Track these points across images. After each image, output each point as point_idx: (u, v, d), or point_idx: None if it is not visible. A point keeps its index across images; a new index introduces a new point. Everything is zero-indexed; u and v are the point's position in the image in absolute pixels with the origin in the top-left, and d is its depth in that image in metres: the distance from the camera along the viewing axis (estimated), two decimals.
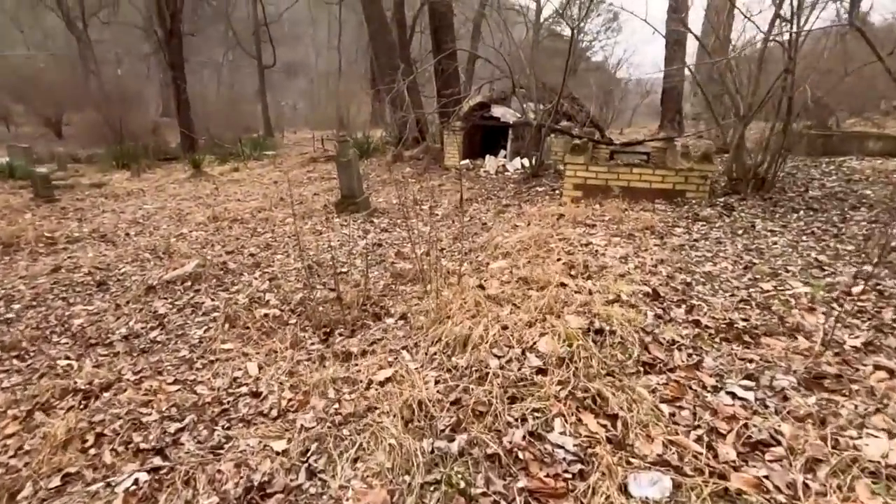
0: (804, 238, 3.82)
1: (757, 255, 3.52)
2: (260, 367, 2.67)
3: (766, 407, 1.77)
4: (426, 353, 2.38)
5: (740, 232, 4.05)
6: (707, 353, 2.11)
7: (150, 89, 29.97)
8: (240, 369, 2.68)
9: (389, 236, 5.30)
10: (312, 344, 2.94)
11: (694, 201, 5.14)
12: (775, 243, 3.74)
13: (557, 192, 6.77)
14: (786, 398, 1.81)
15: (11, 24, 31.05)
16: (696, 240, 3.87)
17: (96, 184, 11.04)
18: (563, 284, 2.77)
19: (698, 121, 17.85)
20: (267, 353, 2.85)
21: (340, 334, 3.04)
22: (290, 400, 2.26)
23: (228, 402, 2.34)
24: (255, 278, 4.00)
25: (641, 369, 2.00)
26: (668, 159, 8.04)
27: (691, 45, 14.10)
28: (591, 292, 2.65)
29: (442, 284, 3.55)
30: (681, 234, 4.01)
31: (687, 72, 14.32)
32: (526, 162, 8.95)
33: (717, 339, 2.25)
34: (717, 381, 1.93)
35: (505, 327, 2.28)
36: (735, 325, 2.33)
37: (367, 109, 19.79)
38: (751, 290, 2.87)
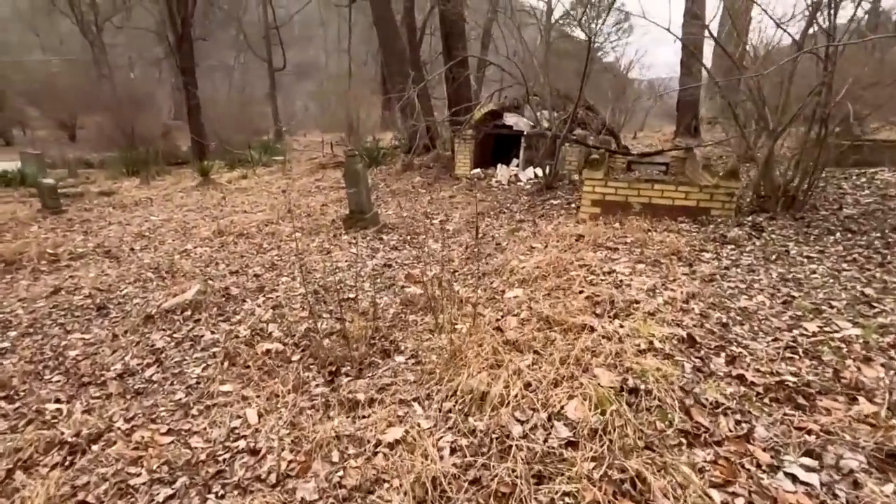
0: (845, 266, 3.55)
1: (795, 286, 3.26)
2: (260, 415, 2.48)
3: (836, 496, 1.53)
4: (440, 409, 2.17)
5: (773, 258, 3.79)
6: (757, 420, 1.87)
7: (162, 93, 30.15)
8: (238, 416, 2.48)
9: (399, 255, 5.10)
10: (317, 386, 2.74)
11: (720, 220, 4.88)
12: (814, 272, 3.48)
13: (573, 206, 6.52)
14: (856, 484, 1.57)
15: (28, 29, 31.45)
16: (726, 267, 3.61)
17: (105, 192, 10.99)
18: (589, 328, 2.54)
19: (713, 125, 17.50)
20: (268, 396, 2.65)
21: (347, 374, 2.83)
22: (290, 462, 2.05)
23: (224, 461, 2.14)
24: (259, 305, 3.81)
25: (684, 440, 1.77)
26: (688, 170, 7.76)
27: (706, 50, 13.79)
28: (620, 338, 2.41)
29: (455, 315, 3.34)
30: (709, 261, 3.76)
31: (704, 75, 14.00)
32: (539, 171, 8.70)
33: (766, 400, 2.00)
34: (773, 458, 1.69)
35: (528, 385, 2.05)
36: (785, 383, 2.08)
37: (377, 113, 19.65)
38: (794, 331, 2.61)
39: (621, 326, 2.60)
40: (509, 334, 2.56)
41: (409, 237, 5.73)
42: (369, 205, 5.87)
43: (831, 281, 3.29)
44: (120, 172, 14.85)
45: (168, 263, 5.20)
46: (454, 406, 2.13)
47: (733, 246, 4.08)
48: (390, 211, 7.14)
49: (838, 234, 4.20)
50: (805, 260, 3.72)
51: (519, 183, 8.53)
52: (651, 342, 2.36)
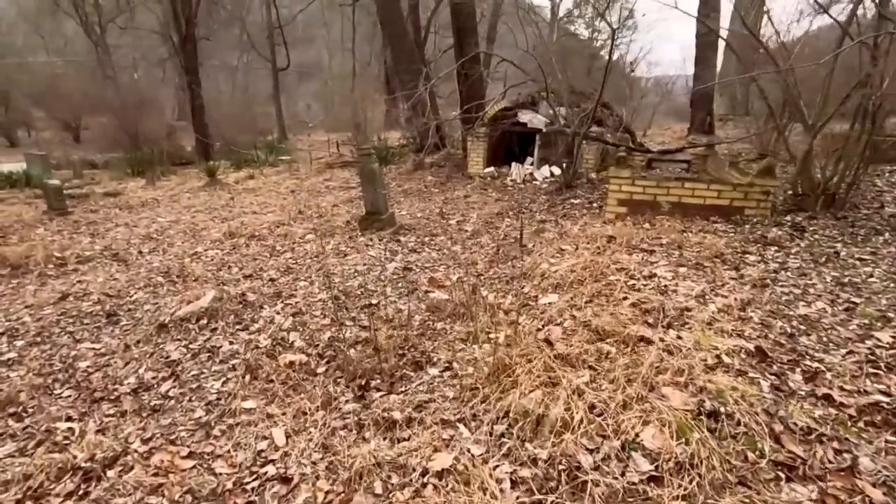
0: None
1: (853, 291, 3.04)
2: (288, 436, 2.28)
3: None
4: (490, 432, 1.96)
5: (823, 260, 3.56)
6: (858, 448, 1.66)
7: (166, 93, 30.02)
8: (265, 437, 2.28)
9: (419, 258, 4.89)
10: (346, 402, 2.53)
11: (756, 220, 4.65)
12: (870, 276, 3.25)
13: (595, 205, 6.31)
14: None
15: (32, 30, 31.39)
16: (774, 270, 3.39)
17: (111, 193, 10.82)
18: (645, 340, 2.33)
19: (724, 122, 17.22)
20: (295, 413, 2.45)
21: (378, 389, 2.63)
22: (327, 493, 1.85)
23: (253, 490, 1.94)
24: (277, 312, 3.61)
25: (781, 474, 1.56)
26: (710, 167, 7.53)
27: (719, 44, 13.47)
28: (682, 352, 2.20)
29: (488, 324, 3.14)
30: (755, 263, 3.54)
31: (718, 71, 13.70)
32: (555, 170, 8.49)
33: (861, 425, 1.79)
34: (885, 495, 1.48)
35: (592, 407, 1.84)
36: (879, 404, 1.87)
37: (381, 112, 19.47)
38: (867, 342, 2.40)
39: (679, 338, 2.38)
40: (559, 347, 2.35)
41: (427, 238, 5.53)
42: (385, 205, 5.67)
43: (892, 286, 3.07)
44: (125, 173, 14.69)
45: (178, 267, 5.01)
46: (507, 430, 1.92)
47: (777, 247, 3.86)
48: (404, 211, 6.94)
49: (887, 235, 3.98)
50: (857, 262, 3.49)
51: (535, 182, 8.31)
52: (719, 356, 2.14)
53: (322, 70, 37.23)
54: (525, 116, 8.75)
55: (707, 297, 2.94)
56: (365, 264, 4.65)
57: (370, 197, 5.48)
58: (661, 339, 2.32)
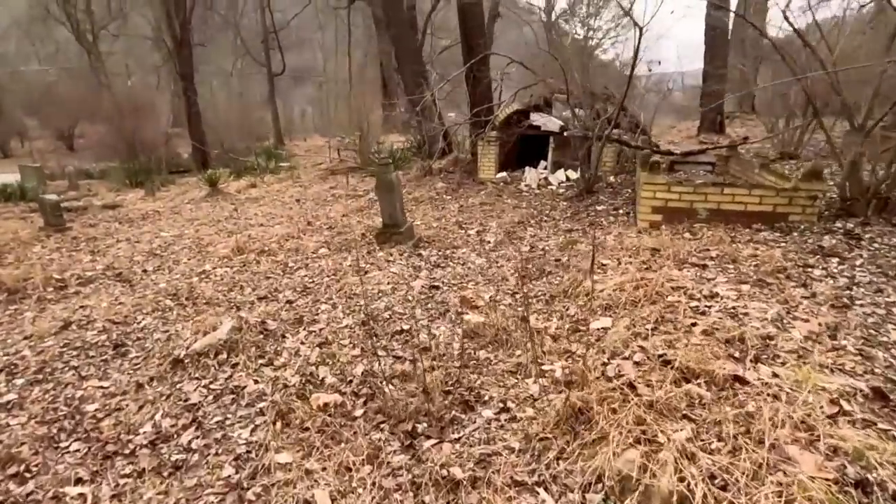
0: None
1: None
2: (333, 500, 1.98)
3: None
4: (582, 501, 1.67)
5: (894, 273, 3.29)
6: None
7: (161, 100, 29.62)
8: (307, 501, 1.99)
9: (444, 274, 4.60)
10: (394, 453, 2.24)
11: (802, 227, 4.38)
12: None
13: (621, 211, 6.03)
14: None
15: (24, 38, 30.94)
16: (847, 287, 3.12)
17: (109, 205, 10.49)
18: (739, 379, 2.04)
19: (731, 119, 17.00)
20: (337, 468, 2.15)
21: (427, 435, 2.33)
22: None
23: None
24: (302, 342, 3.30)
25: None
26: (733, 169, 7.27)
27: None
28: (789, 396, 1.91)
29: (538, 354, 2.85)
30: (822, 279, 3.26)
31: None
32: (571, 174, 8.22)
33: None
34: None
35: (712, 477, 1.55)
36: None
37: (379, 116, 19.20)
38: None
39: (775, 375, 2.10)
40: (641, 389, 2.05)
41: (448, 251, 5.24)
42: (404, 217, 5.37)
43: None
44: (123, 183, 14.35)
45: (187, 288, 4.70)
46: (603, 502, 1.63)
47: (838, 259, 3.58)
48: (418, 221, 6.64)
49: None
50: None
51: (550, 187, 8.03)
52: (835, 401, 1.86)
53: (318, 74, 36.92)
54: (538, 119, 8.48)
55: (785, 321, 2.65)
56: (389, 282, 4.35)
57: (388, 208, 5.18)
58: (761, 380, 2.03)
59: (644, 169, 5.01)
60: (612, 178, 7.73)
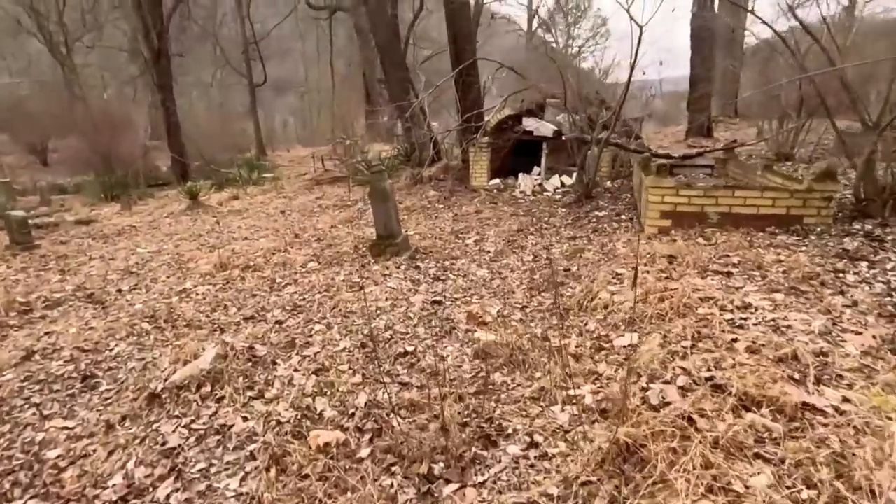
0: None
1: None
2: None
3: None
4: None
5: None
6: None
7: (139, 112, 28.92)
8: None
9: (446, 287, 4.30)
10: (410, 502, 1.92)
11: (819, 229, 4.19)
12: None
13: (623, 217, 5.82)
14: None
15: None
16: (886, 293, 2.90)
17: (83, 220, 9.97)
18: (809, 406, 1.77)
19: (716, 123, 17.10)
20: None
21: (446, 479, 2.02)
22: None
23: None
24: (296, 370, 2.96)
25: None
26: (732, 171, 7.13)
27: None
28: (871, 427, 1.65)
29: (561, 377, 2.57)
30: (857, 284, 3.04)
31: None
32: (566, 179, 8.01)
33: None
34: None
35: None
36: None
37: (362, 125, 18.93)
38: None
39: (846, 400, 1.84)
40: (701, 423, 1.77)
41: (447, 263, 4.94)
42: (399, 227, 5.07)
43: None
44: (98, 198, 13.78)
45: (166, 309, 4.32)
46: None
47: (867, 263, 3.38)
48: (413, 231, 6.34)
49: None
50: None
51: (546, 193, 7.81)
52: None
53: (299, 84, 36.56)
54: (532, 124, 8.27)
55: (833, 333, 2.41)
56: (387, 298, 4.03)
57: (382, 218, 4.87)
58: (834, 408, 1.76)
59: (650, 172, 4.80)
60: (608, 183, 7.54)
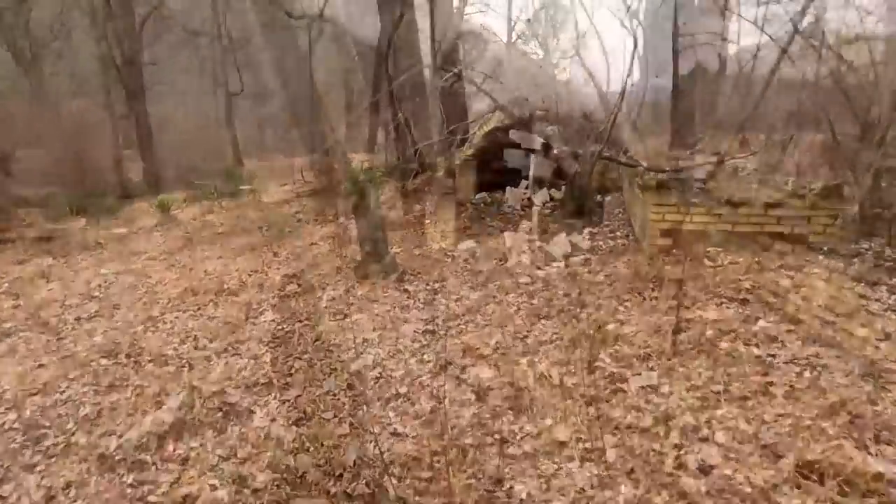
0: None
1: None
2: None
3: None
4: None
5: None
6: None
7: (110, 121, 28.02)
8: None
9: (437, 314, 3.99)
10: None
11: (825, 248, 4.02)
12: None
13: (618, 234, 5.61)
14: None
15: None
16: None
17: (44, 237, 9.36)
18: (881, 478, 1.52)
19: (700, 135, 17.23)
20: None
21: None
22: None
23: None
24: (273, 419, 2.61)
25: None
26: (723, 185, 7.02)
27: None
28: None
29: (580, 428, 2.28)
30: (883, 313, 2.84)
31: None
32: (556, 193, 7.81)
33: None
34: None
35: None
36: None
37: (343, 135, 18.57)
38: None
39: None
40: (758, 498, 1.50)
41: (437, 286, 4.63)
42: (385, 247, 4.75)
43: None
44: (63, 211, 13.08)
45: (128, 341, 3.92)
46: None
47: (886, 288, 3.19)
48: (397, 248, 6.02)
49: None
50: None
51: (534, 207, 7.58)
52: None
53: (276, 93, 35.95)
54: (519, 137, 8.06)
55: (877, 375, 2.18)
56: (374, 328, 3.70)
57: (368, 236, 4.55)
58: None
59: (649, 189, 4.60)
60: (598, 198, 7.35)
